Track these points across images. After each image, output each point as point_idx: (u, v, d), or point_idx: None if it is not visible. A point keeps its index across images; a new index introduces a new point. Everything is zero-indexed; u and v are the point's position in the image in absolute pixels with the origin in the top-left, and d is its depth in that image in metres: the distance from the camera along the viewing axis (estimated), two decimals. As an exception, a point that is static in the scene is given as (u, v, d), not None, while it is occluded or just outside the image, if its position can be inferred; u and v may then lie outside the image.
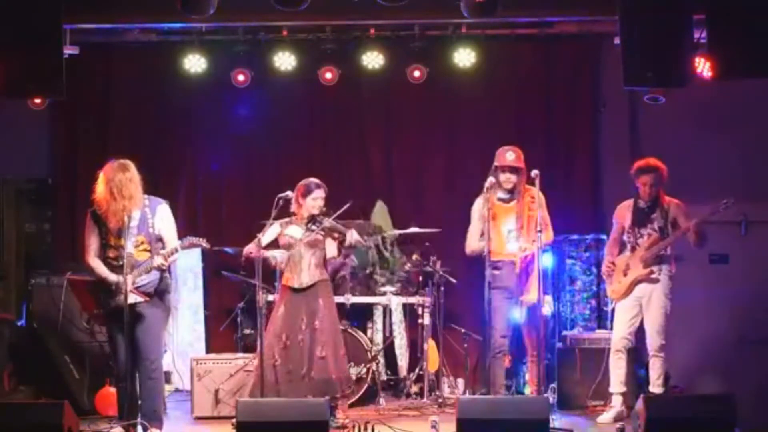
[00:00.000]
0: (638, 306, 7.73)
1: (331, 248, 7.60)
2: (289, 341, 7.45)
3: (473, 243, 7.79)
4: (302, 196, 7.54)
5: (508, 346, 7.79)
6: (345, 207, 7.60)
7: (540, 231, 7.36)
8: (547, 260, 8.18)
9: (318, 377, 7.34)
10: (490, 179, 7.60)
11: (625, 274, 7.75)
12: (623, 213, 7.86)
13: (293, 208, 7.60)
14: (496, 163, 7.74)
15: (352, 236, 7.52)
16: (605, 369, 8.02)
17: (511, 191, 7.75)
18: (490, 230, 7.54)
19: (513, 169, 7.69)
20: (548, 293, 8.16)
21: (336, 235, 7.54)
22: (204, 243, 7.09)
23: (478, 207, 7.79)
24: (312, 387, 7.28)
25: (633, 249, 7.75)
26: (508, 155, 7.70)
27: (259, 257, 7.37)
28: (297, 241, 7.52)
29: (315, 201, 7.52)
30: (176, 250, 6.95)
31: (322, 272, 7.59)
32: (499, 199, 7.77)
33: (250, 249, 7.45)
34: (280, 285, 7.71)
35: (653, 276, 7.66)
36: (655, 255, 7.66)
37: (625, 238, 7.83)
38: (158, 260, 6.89)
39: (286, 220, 7.63)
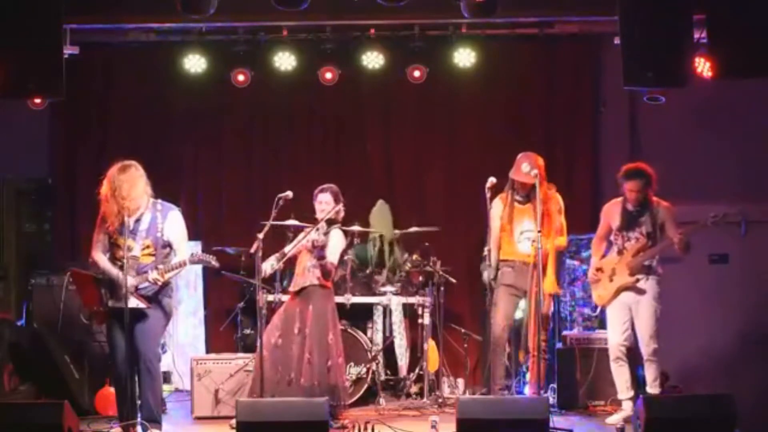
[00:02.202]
0: (628, 310, 7.61)
1: None
2: (281, 341, 7.49)
3: (494, 254, 7.72)
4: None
5: (507, 341, 7.78)
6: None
7: (539, 231, 7.35)
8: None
9: (303, 384, 7.36)
10: (491, 179, 7.55)
11: (611, 280, 7.63)
12: (611, 212, 7.72)
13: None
14: (512, 174, 7.67)
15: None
16: (600, 368, 8.02)
17: (526, 195, 7.72)
18: (501, 230, 7.65)
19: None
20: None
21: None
22: (213, 261, 7.06)
23: (497, 212, 7.75)
24: (297, 392, 7.28)
25: (620, 252, 7.62)
26: (524, 167, 7.56)
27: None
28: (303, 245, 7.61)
29: (319, 205, 7.60)
30: (184, 264, 6.93)
31: (318, 277, 7.58)
32: (515, 201, 7.76)
33: None
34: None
35: (639, 285, 7.55)
36: (641, 263, 7.55)
37: (612, 239, 7.72)
38: (153, 275, 6.84)
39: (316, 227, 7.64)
